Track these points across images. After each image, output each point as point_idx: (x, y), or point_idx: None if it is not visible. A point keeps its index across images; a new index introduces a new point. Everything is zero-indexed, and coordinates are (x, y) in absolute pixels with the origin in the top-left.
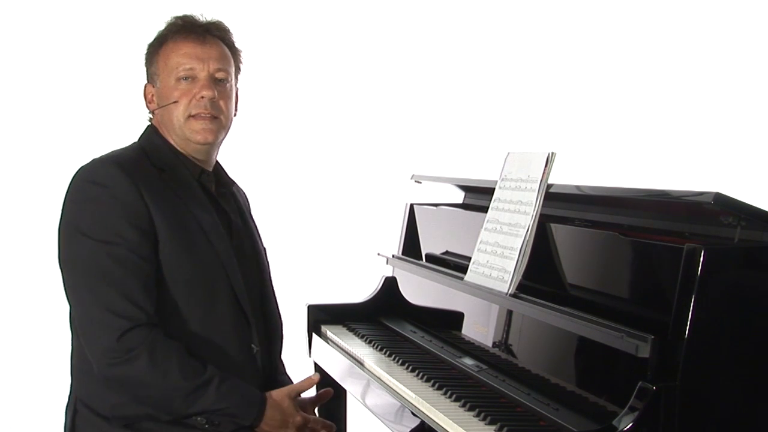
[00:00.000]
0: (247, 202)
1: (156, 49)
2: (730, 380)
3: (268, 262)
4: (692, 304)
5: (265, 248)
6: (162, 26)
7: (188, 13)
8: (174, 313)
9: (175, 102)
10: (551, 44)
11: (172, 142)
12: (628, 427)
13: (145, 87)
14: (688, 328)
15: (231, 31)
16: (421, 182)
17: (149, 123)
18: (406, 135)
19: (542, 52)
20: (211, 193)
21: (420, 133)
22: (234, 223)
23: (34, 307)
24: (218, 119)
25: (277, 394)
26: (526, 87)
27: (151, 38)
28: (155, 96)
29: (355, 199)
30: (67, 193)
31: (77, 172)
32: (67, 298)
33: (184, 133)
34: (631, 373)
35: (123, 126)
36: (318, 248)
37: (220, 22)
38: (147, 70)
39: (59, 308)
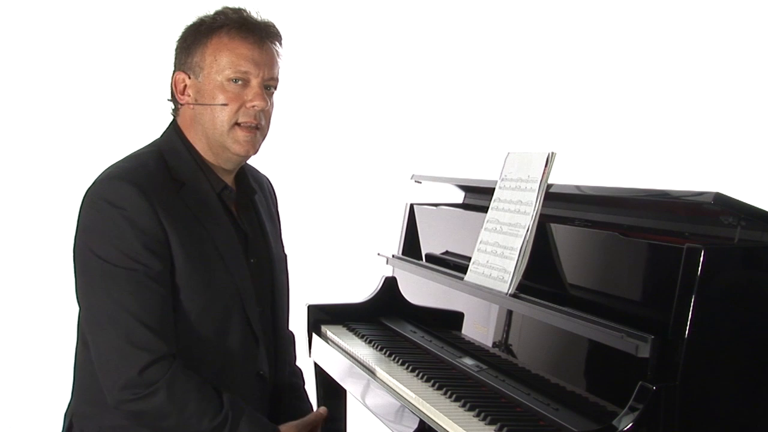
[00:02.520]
0: (273, 196)
1: (203, 39)
2: (730, 380)
3: (287, 272)
4: (692, 304)
5: (286, 255)
6: (207, 13)
7: (241, 7)
8: (184, 340)
9: (223, 105)
10: (551, 44)
11: (198, 147)
12: (628, 427)
13: (176, 75)
14: (688, 328)
15: (282, 35)
16: (421, 182)
17: (173, 120)
18: (406, 135)
19: (542, 52)
20: (230, 210)
21: (420, 133)
22: (251, 241)
23: (35, 314)
24: (261, 130)
25: (287, 428)
26: (526, 87)
27: (190, 22)
28: (192, 89)
29: (355, 199)
30: (80, 211)
31: (91, 188)
32: (79, 324)
33: (224, 140)
34: (631, 373)
35: (138, 120)
36: (318, 248)
37: (274, 25)
38: (183, 58)
39: (63, 316)
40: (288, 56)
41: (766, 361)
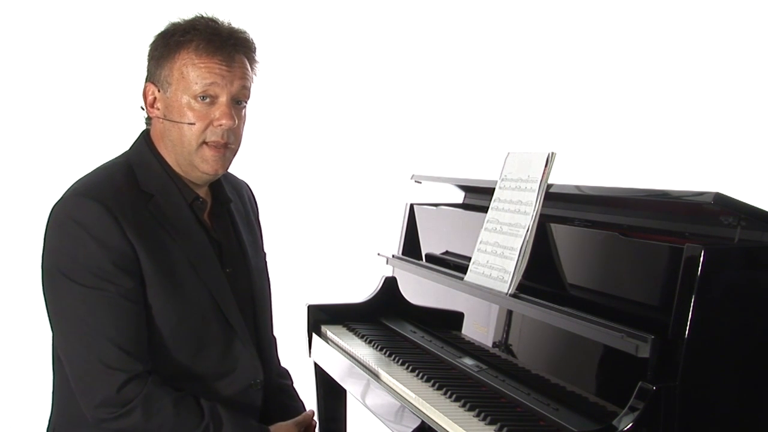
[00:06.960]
0: (253, 202)
1: (171, 53)
2: (730, 380)
3: (268, 276)
4: (692, 304)
5: (265, 254)
6: (177, 22)
7: (211, 16)
8: (163, 354)
9: (191, 124)
10: (551, 44)
11: (169, 160)
12: (628, 427)
13: (146, 87)
14: (688, 328)
15: (255, 43)
16: (421, 182)
17: (144, 130)
18: (406, 135)
19: (542, 52)
20: (201, 220)
21: (420, 133)
22: (226, 251)
23: (14, 324)
24: (231, 148)
25: (277, 428)
26: (526, 87)
27: (159, 30)
28: (161, 103)
29: (355, 199)
30: (47, 229)
31: (56, 205)
32: (53, 342)
33: (192, 159)
34: (631, 373)
35: (119, 124)
36: (318, 248)
37: (246, 34)
38: (152, 69)
39: (43, 326)
40: (289, 57)
41: (766, 361)
